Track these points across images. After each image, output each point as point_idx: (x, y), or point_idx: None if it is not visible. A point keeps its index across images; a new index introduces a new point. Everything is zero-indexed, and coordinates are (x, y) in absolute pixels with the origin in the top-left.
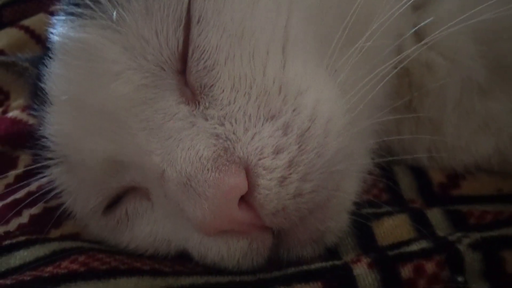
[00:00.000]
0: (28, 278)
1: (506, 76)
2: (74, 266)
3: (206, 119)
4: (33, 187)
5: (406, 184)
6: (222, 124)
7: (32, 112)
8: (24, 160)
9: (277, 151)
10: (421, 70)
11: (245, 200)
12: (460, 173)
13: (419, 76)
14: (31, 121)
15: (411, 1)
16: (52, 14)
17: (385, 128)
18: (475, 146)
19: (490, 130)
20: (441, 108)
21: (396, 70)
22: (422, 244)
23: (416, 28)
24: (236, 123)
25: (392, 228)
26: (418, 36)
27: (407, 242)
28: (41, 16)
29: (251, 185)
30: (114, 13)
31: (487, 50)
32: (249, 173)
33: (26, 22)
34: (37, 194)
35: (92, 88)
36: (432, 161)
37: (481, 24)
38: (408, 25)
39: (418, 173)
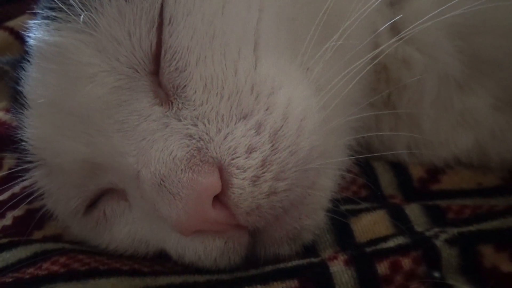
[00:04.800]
0: (10, 280)
1: (483, 70)
2: (55, 268)
3: (180, 120)
4: (16, 188)
5: (386, 180)
6: (195, 125)
7: (13, 115)
8: (9, 161)
9: (250, 151)
10: (398, 65)
11: (219, 199)
12: (440, 168)
13: (396, 72)
14: (15, 123)
15: None
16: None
17: (364, 124)
18: (454, 140)
19: (469, 125)
20: (419, 103)
21: (371, 65)
22: (399, 240)
23: (390, 22)
24: (209, 123)
25: (371, 225)
26: (395, 31)
27: (385, 238)
28: (25, 17)
29: (225, 185)
30: (82, 17)
31: (463, 45)
32: (222, 172)
33: (11, 23)
34: (20, 196)
35: (68, 91)
36: (412, 156)
37: (457, 18)
38: (384, 20)
39: (398, 168)
